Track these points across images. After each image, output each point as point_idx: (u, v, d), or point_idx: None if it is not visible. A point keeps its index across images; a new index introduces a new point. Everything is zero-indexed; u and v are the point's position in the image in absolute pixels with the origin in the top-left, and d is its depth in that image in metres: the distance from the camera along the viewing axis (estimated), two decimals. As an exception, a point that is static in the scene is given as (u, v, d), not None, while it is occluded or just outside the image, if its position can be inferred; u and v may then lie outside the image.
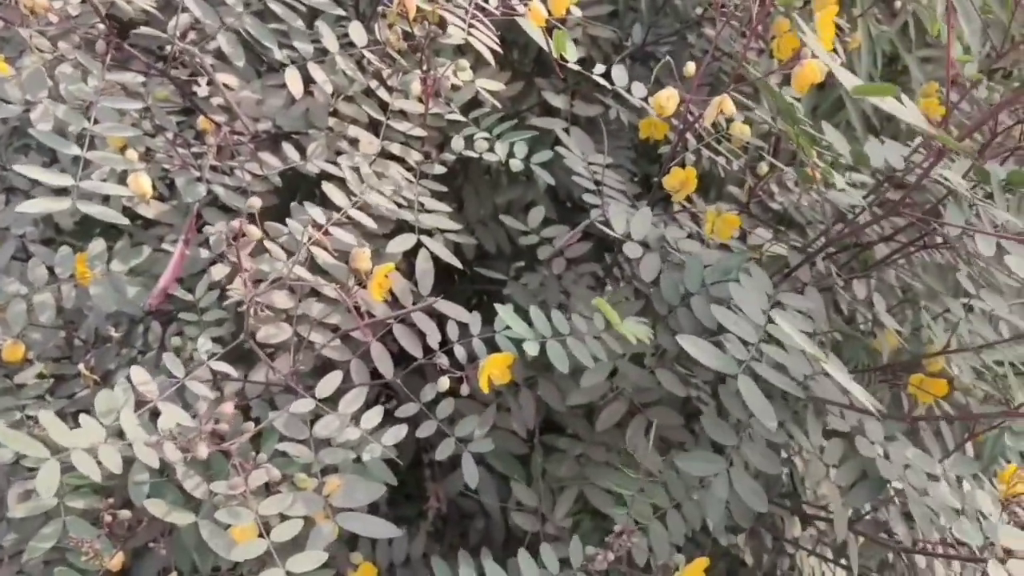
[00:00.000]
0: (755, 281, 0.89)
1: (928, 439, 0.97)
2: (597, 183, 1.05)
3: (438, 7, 0.89)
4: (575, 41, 1.07)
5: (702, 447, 0.97)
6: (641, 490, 0.93)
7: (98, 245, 0.92)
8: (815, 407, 0.94)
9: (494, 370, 0.85)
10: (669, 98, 0.92)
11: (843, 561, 1.20)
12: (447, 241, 0.98)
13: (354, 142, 0.99)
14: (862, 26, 1.29)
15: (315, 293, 0.89)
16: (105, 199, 0.91)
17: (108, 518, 0.77)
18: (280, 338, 0.88)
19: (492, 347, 0.90)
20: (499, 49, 0.94)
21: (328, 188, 0.93)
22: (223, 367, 0.86)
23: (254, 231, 0.80)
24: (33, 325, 0.92)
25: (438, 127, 1.05)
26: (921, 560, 1.09)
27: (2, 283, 0.92)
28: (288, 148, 0.97)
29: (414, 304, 0.91)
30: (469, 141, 1.02)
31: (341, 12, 0.98)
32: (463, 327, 0.93)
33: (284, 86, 0.95)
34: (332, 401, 0.83)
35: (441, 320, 0.93)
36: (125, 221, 0.81)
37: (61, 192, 0.78)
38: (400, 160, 1.00)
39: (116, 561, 0.76)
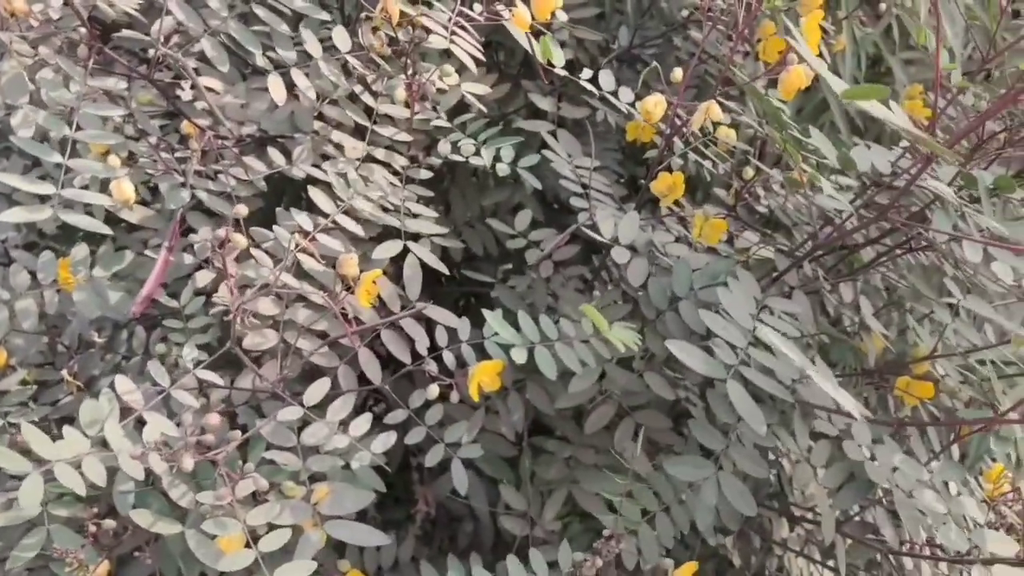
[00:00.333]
0: (743, 285, 0.89)
1: (914, 440, 0.98)
2: (584, 186, 1.05)
3: (421, 13, 0.89)
4: (561, 44, 1.07)
5: (691, 450, 0.97)
6: (630, 493, 0.93)
7: (81, 250, 0.91)
8: (802, 410, 0.94)
9: (484, 378, 0.85)
10: (656, 104, 0.92)
11: (831, 562, 1.21)
12: (434, 245, 0.98)
13: (340, 147, 0.98)
14: (847, 28, 1.29)
15: (302, 299, 0.88)
16: (88, 205, 0.90)
17: (93, 527, 0.76)
18: (267, 345, 0.87)
19: (481, 352, 0.90)
20: (482, 57, 0.93)
21: (314, 193, 0.92)
22: (209, 376, 0.85)
23: (240, 239, 0.79)
24: (16, 331, 0.91)
25: (424, 131, 1.05)
26: (908, 562, 1.10)
27: (-16, 289, 0.91)
28: (273, 152, 0.96)
29: (402, 309, 0.91)
30: (455, 145, 1.02)
31: (326, 16, 0.97)
32: (452, 332, 0.93)
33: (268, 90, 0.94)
34: (320, 408, 0.83)
35: (430, 324, 0.92)
36: (108, 231, 0.80)
37: (44, 198, 0.77)
38: (386, 165, 0.99)
39: (101, 570, 0.75)
